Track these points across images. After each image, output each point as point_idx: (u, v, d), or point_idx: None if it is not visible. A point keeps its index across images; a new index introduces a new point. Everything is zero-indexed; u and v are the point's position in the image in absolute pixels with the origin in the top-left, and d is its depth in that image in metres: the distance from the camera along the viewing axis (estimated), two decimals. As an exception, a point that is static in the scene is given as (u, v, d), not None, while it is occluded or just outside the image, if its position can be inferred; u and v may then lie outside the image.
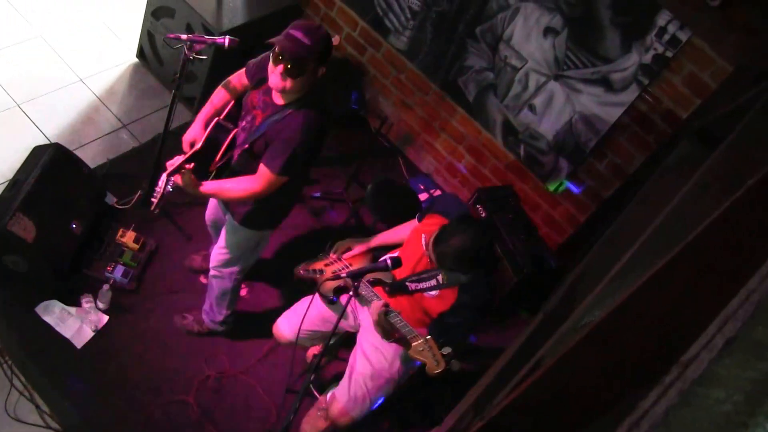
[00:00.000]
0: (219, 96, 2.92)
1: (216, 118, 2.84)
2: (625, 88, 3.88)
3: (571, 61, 4.00)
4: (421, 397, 3.63)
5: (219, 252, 3.13)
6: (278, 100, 2.59)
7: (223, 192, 2.64)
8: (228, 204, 2.95)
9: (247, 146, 2.65)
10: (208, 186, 2.62)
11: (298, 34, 2.39)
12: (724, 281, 0.96)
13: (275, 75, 2.44)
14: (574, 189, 4.40)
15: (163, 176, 2.59)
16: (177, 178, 2.54)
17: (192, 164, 2.54)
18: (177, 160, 2.53)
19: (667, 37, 3.62)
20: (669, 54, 3.65)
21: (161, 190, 2.62)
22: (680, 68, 3.68)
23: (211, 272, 3.23)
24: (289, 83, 2.44)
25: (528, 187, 4.64)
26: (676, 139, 3.68)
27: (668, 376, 0.82)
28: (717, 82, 3.58)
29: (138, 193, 3.86)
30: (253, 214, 2.87)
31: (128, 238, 3.69)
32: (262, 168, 2.53)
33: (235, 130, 2.81)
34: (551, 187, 4.47)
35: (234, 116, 2.88)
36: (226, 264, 3.15)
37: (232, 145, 2.79)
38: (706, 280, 0.99)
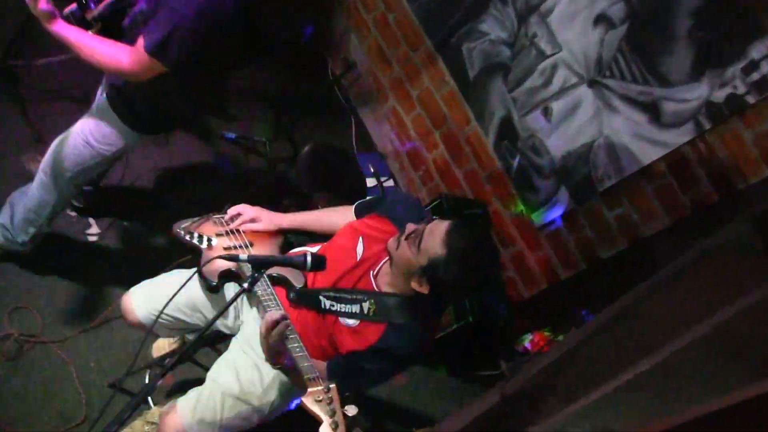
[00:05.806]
0: None
1: None
2: (677, 126, 3.23)
3: (619, 68, 3.35)
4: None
5: (63, 139, 2.74)
6: None
7: (82, 45, 2.40)
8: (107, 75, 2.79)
9: (140, 7, 2.49)
10: (63, 26, 2.39)
11: None
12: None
13: None
14: (556, 220, 3.74)
15: None
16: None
17: None
18: None
19: (756, 75, 2.92)
20: (750, 99, 2.97)
21: None
22: (758, 122, 3.01)
23: (39, 174, 2.83)
24: None
25: (508, 212, 3.99)
26: (721, 212, 3.18)
27: None
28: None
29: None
30: (128, 98, 2.63)
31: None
32: (139, 41, 2.37)
33: None
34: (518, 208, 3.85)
35: None
36: (60, 161, 2.73)
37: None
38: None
